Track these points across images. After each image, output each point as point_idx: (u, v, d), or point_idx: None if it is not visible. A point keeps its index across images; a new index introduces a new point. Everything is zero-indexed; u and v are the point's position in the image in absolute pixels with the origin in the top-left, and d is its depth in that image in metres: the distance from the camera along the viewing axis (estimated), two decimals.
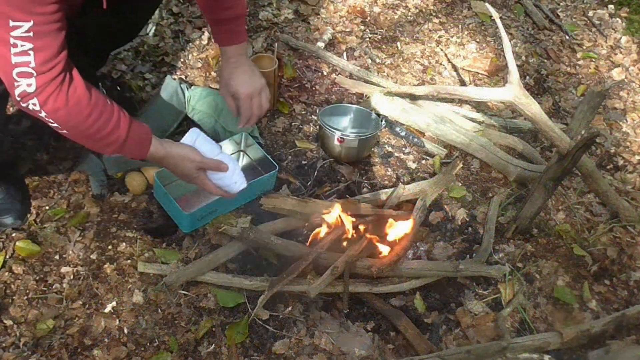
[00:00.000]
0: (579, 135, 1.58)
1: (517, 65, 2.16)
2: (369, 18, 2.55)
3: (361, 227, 1.61)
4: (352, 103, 2.13)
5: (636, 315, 1.60)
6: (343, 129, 1.99)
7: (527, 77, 2.45)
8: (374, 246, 1.59)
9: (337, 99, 2.17)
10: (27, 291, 1.49)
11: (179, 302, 1.51)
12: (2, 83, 1.26)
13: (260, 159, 1.81)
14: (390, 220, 1.64)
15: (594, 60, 2.60)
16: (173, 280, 1.49)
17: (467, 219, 1.84)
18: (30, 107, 1.12)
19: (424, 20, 2.60)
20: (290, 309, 1.54)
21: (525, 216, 1.74)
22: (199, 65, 2.18)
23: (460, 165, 1.84)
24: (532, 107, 1.68)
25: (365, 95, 2.14)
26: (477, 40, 2.56)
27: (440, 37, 2.54)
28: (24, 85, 1.09)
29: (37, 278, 1.52)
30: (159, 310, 1.50)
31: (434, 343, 1.52)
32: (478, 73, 2.42)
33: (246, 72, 1.57)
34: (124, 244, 1.62)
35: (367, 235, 1.58)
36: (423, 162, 2.01)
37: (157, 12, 2.24)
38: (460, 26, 2.61)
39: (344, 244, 1.59)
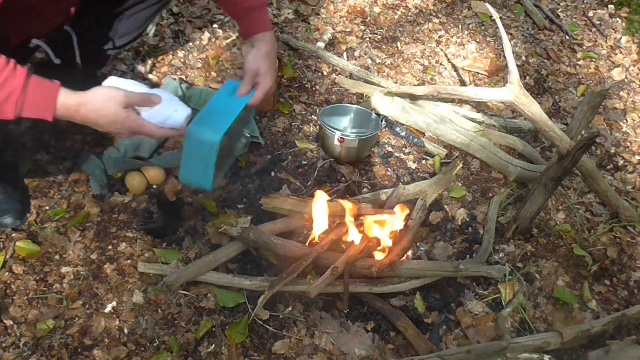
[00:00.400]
0: (579, 135, 1.58)
1: (517, 65, 2.16)
2: (369, 18, 2.55)
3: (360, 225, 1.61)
4: (352, 103, 2.13)
5: (636, 315, 1.60)
6: (343, 129, 1.99)
7: (527, 77, 2.45)
8: (374, 246, 1.59)
9: (337, 99, 2.17)
10: (27, 291, 1.49)
11: (179, 302, 1.51)
12: None
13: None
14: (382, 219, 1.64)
15: (594, 60, 2.60)
16: (173, 280, 1.49)
17: (467, 219, 1.84)
18: None
19: (424, 20, 2.60)
20: (290, 309, 1.54)
21: (525, 216, 1.74)
22: (199, 65, 2.18)
23: (460, 165, 1.84)
24: (532, 107, 1.68)
25: (365, 95, 2.14)
26: (477, 40, 2.56)
27: (440, 37, 2.54)
28: None
29: (37, 278, 1.52)
30: (159, 310, 1.50)
31: (434, 343, 1.52)
32: (478, 73, 2.42)
33: (269, 53, 1.40)
34: (124, 244, 1.62)
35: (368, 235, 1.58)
36: (423, 162, 2.01)
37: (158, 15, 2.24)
38: (460, 26, 2.61)
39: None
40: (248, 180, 1.83)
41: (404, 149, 2.04)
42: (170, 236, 1.66)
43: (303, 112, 2.10)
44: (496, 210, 1.85)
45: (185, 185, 1.49)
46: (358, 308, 1.59)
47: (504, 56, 1.80)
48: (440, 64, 2.42)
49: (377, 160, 1.98)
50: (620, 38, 2.72)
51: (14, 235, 1.58)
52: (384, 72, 2.33)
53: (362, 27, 2.49)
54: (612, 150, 2.21)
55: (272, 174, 1.86)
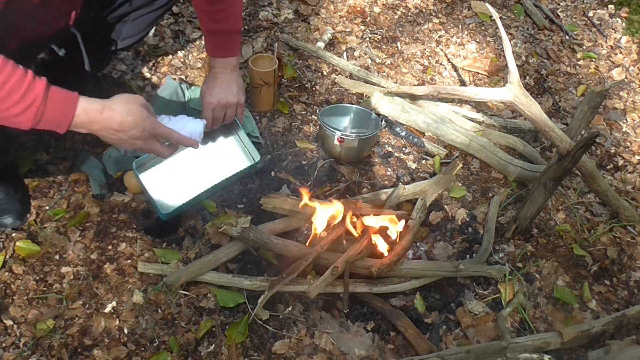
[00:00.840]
0: (579, 135, 1.58)
1: (517, 65, 2.16)
2: (369, 18, 2.55)
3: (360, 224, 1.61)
4: (352, 103, 2.13)
5: (636, 315, 1.60)
6: (343, 129, 1.99)
7: (527, 77, 2.45)
8: (374, 246, 1.59)
9: (337, 99, 2.17)
10: (27, 291, 1.49)
11: (179, 302, 1.51)
12: None
13: (248, 146, 1.71)
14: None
15: (594, 60, 2.60)
16: (173, 280, 1.49)
17: (467, 219, 1.84)
18: None
19: (424, 20, 2.60)
20: (290, 309, 1.54)
21: (525, 216, 1.74)
22: (199, 65, 2.18)
23: (460, 165, 1.84)
24: (532, 107, 1.68)
25: (365, 95, 2.14)
26: (477, 40, 2.56)
27: (440, 37, 2.54)
28: None
29: (37, 278, 1.52)
30: (159, 310, 1.50)
31: (434, 343, 1.52)
32: (478, 73, 2.42)
33: (223, 84, 1.52)
34: (124, 244, 1.62)
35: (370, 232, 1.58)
36: (423, 162, 2.01)
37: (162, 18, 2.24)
38: (460, 26, 2.61)
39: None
40: (248, 180, 1.83)
41: (404, 149, 2.04)
42: (170, 236, 1.66)
43: (303, 112, 2.10)
44: (496, 210, 1.85)
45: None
46: (358, 308, 1.59)
47: (504, 56, 1.80)
48: (440, 64, 2.42)
49: (377, 160, 1.98)
50: (620, 38, 2.72)
51: (14, 235, 1.58)
52: (384, 72, 2.33)
53: (362, 27, 2.49)
54: (612, 150, 2.21)
55: (272, 174, 1.86)
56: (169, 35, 2.26)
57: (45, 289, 1.50)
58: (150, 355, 1.41)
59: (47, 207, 1.67)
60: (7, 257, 1.54)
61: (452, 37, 2.55)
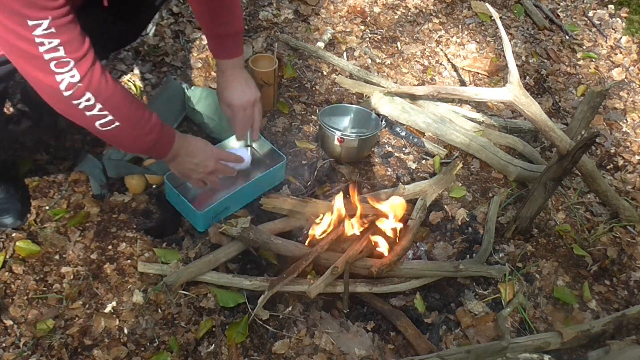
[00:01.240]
0: (579, 135, 1.58)
1: (517, 65, 2.16)
2: (369, 18, 2.55)
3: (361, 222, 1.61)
4: (352, 103, 2.13)
5: (636, 315, 1.60)
6: (343, 129, 1.99)
7: (527, 77, 2.45)
8: (374, 246, 1.59)
9: (337, 99, 2.17)
10: (27, 291, 1.49)
11: (179, 302, 1.51)
12: (1, 82, 1.26)
13: (267, 152, 1.83)
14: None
15: (594, 60, 2.60)
16: (173, 280, 1.49)
17: (467, 219, 1.84)
18: (83, 104, 1.11)
19: (424, 20, 2.60)
20: (290, 309, 1.54)
21: (525, 216, 1.74)
22: (199, 65, 2.18)
23: (460, 165, 1.84)
24: (532, 107, 1.68)
25: (365, 95, 2.14)
26: (477, 40, 2.56)
27: (440, 37, 2.54)
28: (67, 77, 1.06)
29: (37, 278, 1.52)
30: (159, 310, 1.50)
31: (434, 343, 1.52)
32: (478, 73, 2.42)
33: (241, 84, 1.58)
34: (124, 244, 1.62)
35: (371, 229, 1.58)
36: (423, 162, 2.01)
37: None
38: (460, 26, 2.61)
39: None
40: None
41: (404, 149, 2.04)
42: (170, 236, 1.66)
43: (303, 112, 2.10)
44: (496, 210, 1.85)
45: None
46: (358, 308, 1.59)
47: (504, 56, 1.80)
48: (440, 64, 2.43)
49: (377, 160, 1.98)
50: (620, 38, 2.72)
51: (14, 235, 1.58)
52: (384, 72, 2.33)
53: (362, 27, 2.49)
54: (612, 150, 2.21)
55: None
56: (169, 35, 2.26)
57: (45, 289, 1.50)
58: (150, 355, 1.41)
59: (47, 207, 1.67)
60: (7, 257, 1.54)
61: (452, 37, 2.55)
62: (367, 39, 2.45)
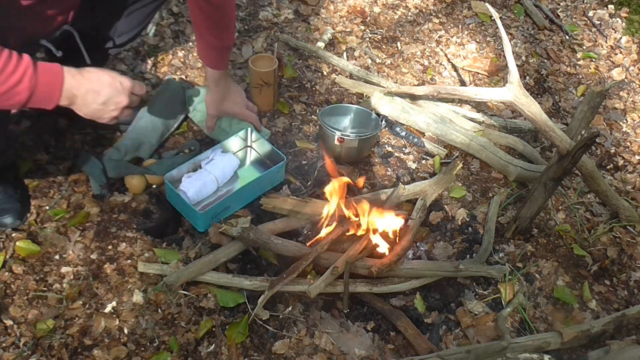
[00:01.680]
0: (579, 135, 1.58)
1: (517, 65, 2.16)
2: (369, 18, 2.55)
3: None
4: (352, 103, 2.13)
5: (636, 315, 1.60)
6: (343, 129, 1.99)
7: (527, 77, 2.45)
8: (374, 246, 1.59)
9: (337, 99, 2.17)
10: (27, 291, 1.49)
11: (179, 302, 1.51)
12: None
13: (267, 152, 1.83)
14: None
15: (594, 60, 2.60)
16: (173, 280, 1.49)
17: (467, 219, 1.84)
18: None
19: (424, 20, 2.60)
20: (290, 309, 1.54)
21: (525, 216, 1.74)
22: (199, 65, 2.18)
23: (460, 165, 1.84)
24: (532, 107, 1.68)
25: (365, 95, 2.14)
26: (477, 40, 2.56)
27: (440, 37, 2.54)
28: None
29: (37, 278, 1.52)
30: (159, 310, 1.50)
31: (434, 343, 1.52)
32: (478, 73, 2.42)
33: (236, 92, 1.77)
34: (124, 244, 1.62)
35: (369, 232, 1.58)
36: (423, 162, 2.01)
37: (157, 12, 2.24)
38: (460, 26, 2.61)
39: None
40: None
41: (404, 149, 2.04)
42: (170, 236, 1.66)
43: (303, 112, 2.10)
44: (496, 210, 1.85)
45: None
46: (358, 308, 1.59)
47: (504, 56, 1.80)
48: (440, 64, 2.42)
49: (377, 160, 1.98)
50: (620, 38, 2.72)
51: (14, 235, 1.58)
52: (384, 72, 2.33)
53: (362, 27, 2.49)
54: (612, 150, 2.21)
55: None
56: (169, 35, 2.26)
57: (45, 289, 1.50)
58: (150, 355, 1.41)
59: (47, 207, 1.67)
60: (7, 257, 1.54)
61: (452, 37, 2.55)
62: (367, 39, 2.45)
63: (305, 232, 1.69)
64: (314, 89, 2.20)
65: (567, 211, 1.94)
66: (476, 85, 2.37)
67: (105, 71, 1.26)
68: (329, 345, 1.48)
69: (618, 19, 2.81)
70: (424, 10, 2.66)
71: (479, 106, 2.22)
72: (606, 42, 2.70)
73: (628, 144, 2.25)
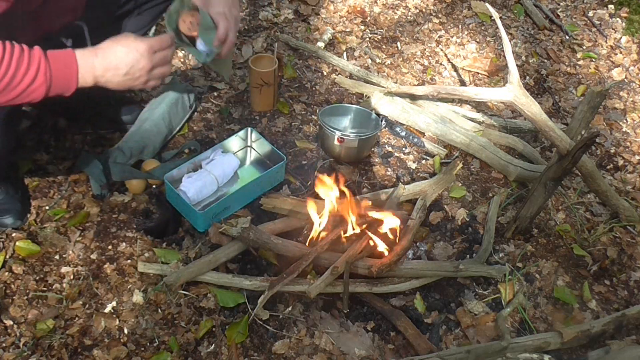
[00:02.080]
0: (579, 135, 1.58)
1: (517, 65, 2.16)
2: (369, 18, 2.55)
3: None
4: (352, 103, 2.13)
5: (636, 315, 1.60)
6: (343, 129, 1.99)
7: (527, 77, 2.45)
8: (374, 246, 1.59)
9: (337, 99, 2.17)
10: (27, 291, 1.49)
11: (179, 302, 1.51)
12: None
13: (267, 152, 1.83)
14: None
15: (594, 60, 2.60)
16: (173, 280, 1.49)
17: (467, 219, 1.84)
18: None
19: (424, 20, 2.60)
20: (290, 309, 1.54)
21: (525, 216, 1.74)
22: (200, 65, 2.18)
23: (460, 165, 1.84)
24: (532, 107, 1.68)
25: (365, 95, 2.14)
26: (477, 40, 2.56)
27: (440, 37, 2.54)
28: None
29: (37, 278, 1.52)
30: (159, 310, 1.50)
31: (434, 343, 1.52)
32: (478, 73, 2.42)
33: None
34: (124, 244, 1.62)
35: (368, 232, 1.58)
36: (423, 162, 2.01)
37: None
38: (460, 26, 2.61)
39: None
40: None
41: (404, 149, 2.04)
42: (170, 236, 1.66)
43: (303, 112, 2.10)
44: (496, 210, 1.85)
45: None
46: (358, 308, 1.59)
47: (504, 56, 1.80)
48: (440, 64, 2.43)
49: (377, 160, 1.98)
50: (620, 38, 2.72)
51: (14, 235, 1.58)
52: (384, 72, 2.33)
53: (362, 27, 2.49)
54: (612, 150, 2.21)
55: None
56: None
57: (45, 289, 1.50)
58: (150, 355, 1.41)
59: (47, 207, 1.67)
60: (7, 257, 1.54)
61: (452, 37, 2.55)
62: (367, 39, 2.45)
63: (305, 232, 1.69)
64: (314, 89, 2.20)
65: (567, 211, 1.94)
66: (476, 85, 2.37)
67: (119, 41, 1.21)
68: (329, 345, 1.48)
69: (618, 19, 2.81)
70: (424, 10, 2.66)
71: (479, 106, 2.22)
72: (606, 42, 2.70)
73: (628, 144, 2.25)
